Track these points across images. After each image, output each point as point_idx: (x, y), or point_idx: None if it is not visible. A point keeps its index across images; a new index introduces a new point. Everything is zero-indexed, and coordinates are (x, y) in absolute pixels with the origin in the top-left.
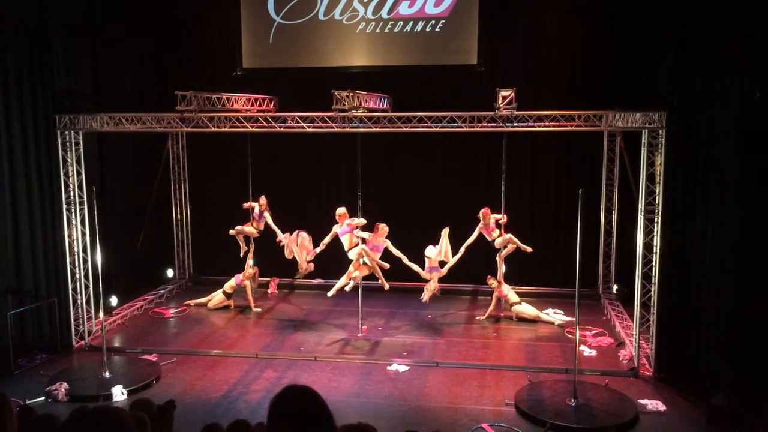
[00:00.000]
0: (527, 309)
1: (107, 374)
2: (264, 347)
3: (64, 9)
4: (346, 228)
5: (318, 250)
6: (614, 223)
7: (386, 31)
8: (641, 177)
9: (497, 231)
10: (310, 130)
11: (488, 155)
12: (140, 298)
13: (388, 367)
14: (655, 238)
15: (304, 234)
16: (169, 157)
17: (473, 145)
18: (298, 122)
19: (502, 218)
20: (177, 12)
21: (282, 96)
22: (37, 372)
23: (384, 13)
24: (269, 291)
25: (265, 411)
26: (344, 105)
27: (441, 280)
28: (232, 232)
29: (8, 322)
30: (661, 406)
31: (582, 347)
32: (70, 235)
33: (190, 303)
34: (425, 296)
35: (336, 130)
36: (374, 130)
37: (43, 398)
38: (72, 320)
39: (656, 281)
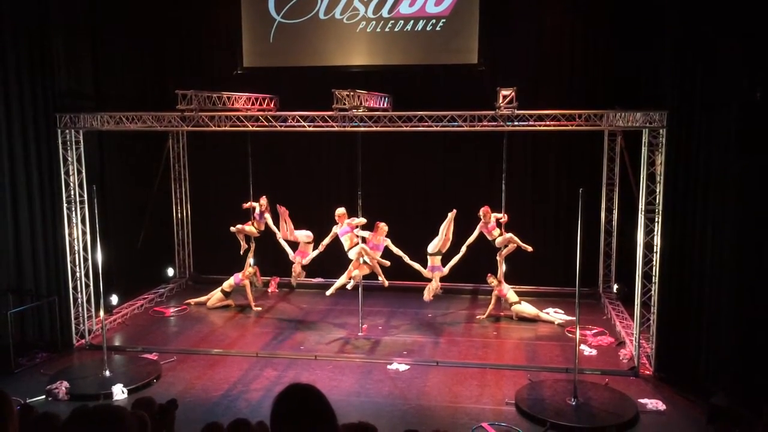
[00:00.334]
0: (527, 308)
1: (108, 373)
2: (264, 346)
3: (65, 8)
4: (346, 228)
5: (316, 252)
6: (614, 223)
7: (387, 30)
8: (642, 176)
9: (497, 230)
10: (311, 129)
11: (489, 155)
12: (141, 296)
13: (389, 366)
14: (655, 237)
15: (304, 232)
16: (169, 156)
17: (474, 144)
18: (298, 121)
19: (503, 217)
20: (177, 11)
21: (282, 95)
22: (38, 371)
23: (384, 12)
24: (269, 290)
25: (266, 410)
26: (345, 104)
27: (442, 279)
28: (233, 229)
29: (9, 321)
30: (661, 406)
31: (582, 346)
32: (70, 234)
33: (190, 302)
34: (427, 295)
35: (336, 129)
36: (375, 129)
37: (44, 397)
38: (72, 319)
39: (656, 281)
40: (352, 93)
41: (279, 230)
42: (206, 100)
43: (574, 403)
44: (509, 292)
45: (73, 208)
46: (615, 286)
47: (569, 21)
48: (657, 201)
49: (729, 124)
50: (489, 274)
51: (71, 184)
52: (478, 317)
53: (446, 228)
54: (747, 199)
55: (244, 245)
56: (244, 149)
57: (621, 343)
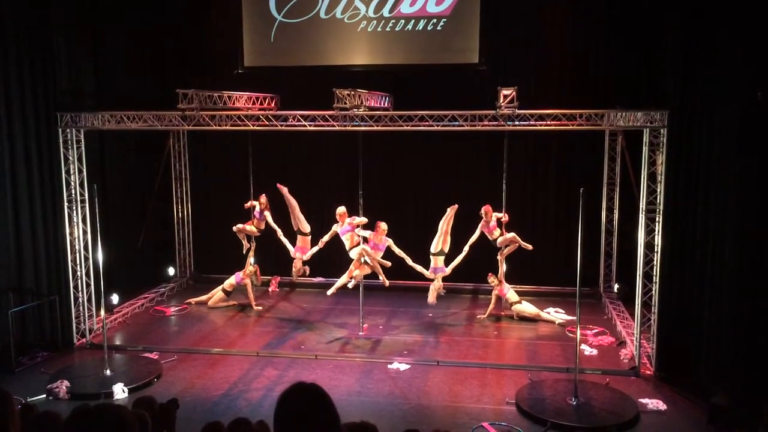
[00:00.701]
0: (527, 308)
1: (108, 372)
2: (265, 345)
3: (66, 7)
4: (347, 227)
5: (316, 248)
6: (615, 222)
7: (387, 29)
8: (642, 176)
9: (498, 230)
10: (312, 128)
11: (489, 154)
12: (141, 296)
13: (389, 366)
14: (656, 237)
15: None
16: (170, 155)
17: (474, 144)
18: (299, 121)
19: (504, 217)
20: (178, 10)
21: (283, 94)
22: (38, 370)
23: (385, 12)
24: (270, 289)
25: (266, 409)
26: (345, 103)
27: (443, 279)
28: (234, 229)
29: (9, 320)
30: (661, 405)
31: (583, 346)
32: (71, 233)
33: (191, 301)
34: (431, 298)
35: (337, 128)
36: (375, 128)
37: (45, 396)
38: (73, 318)
39: (657, 280)
40: (352, 92)
41: (279, 230)
42: (207, 100)
43: (574, 403)
44: (509, 292)
45: (74, 207)
46: (616, 286)
47: (570, 20)
48: (658, 201)
49: (730, 124)
50: (490, 273)
51: (72, 183)
52: (478, 317)
53: (445, 224)
54: (748, 199)
55: (246, 245)
56: (245, 149)
57: (622, 342)
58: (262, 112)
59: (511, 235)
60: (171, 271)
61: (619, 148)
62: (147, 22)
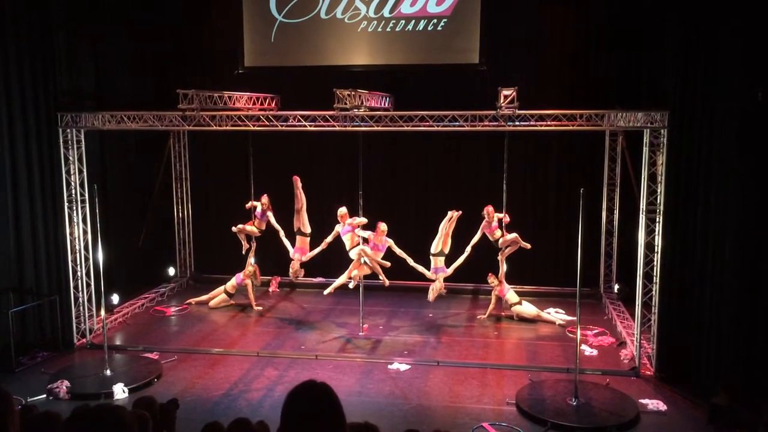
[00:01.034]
0: (528, 308)
1: (108, 372)
2: (265, 346)
3: (66, 7)
4: (348, 228)
5: (318, 249)
6: (616, 223)
7: (388, 29)
8: (643, 176)
9: (499, 230)
10: (312, 128)
11: (490, 154)
12: (141, 296)
13: (389, 366)
14: (656, 237)
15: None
16: (170, 155)
17: (475, 144)
18: (299, 121)
19: (505, 217)
20: (178, 10)
21: (284, 94)
22: (39, 370)
23: (386, 12)
24: (270, 290)
25: (266, 410)
26: (346, 104)
27: (444, 279)
28: (234, 229)
29: (10, 320)
30: (662, 406)
31: (583, 347)
32: (71, 233)
33: (191, 301)
34: (431, 296)
35: (338, 129)
36: (376, 129)
37: (45, 396)
38: (73, 318)
39: (657, 281)
40: (353, 92)
41: (295, 216)
42: (207, 100)
43: (574, 404)
44: (509, 293)
45: (74, 207)
46: (616, 286)
47: (571, 20)
48: (658, 201)
49: (730, 124)
50: (490, 274)
51: (72, 183)
52: (479, 317)
53: (446, 226)
54: (748, 199)
55: (245, 245)
56: (245, 149)
57: (622, 343)
58: (263, 112)
59: (513, 235)
60: (171, 271)
61: (620, 148)
62: (147, 22)
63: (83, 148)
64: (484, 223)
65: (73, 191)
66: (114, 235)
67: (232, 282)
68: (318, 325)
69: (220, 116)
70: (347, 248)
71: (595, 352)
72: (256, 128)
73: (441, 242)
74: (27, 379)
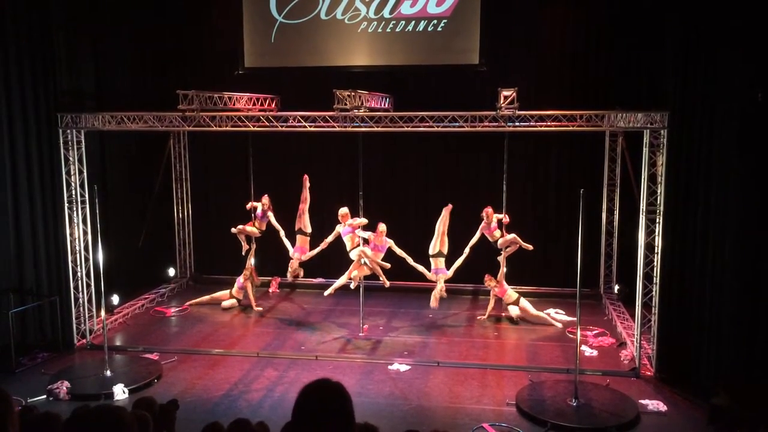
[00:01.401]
0: (528, 309)
1: (108, 373)
2: (265, 346)
3: (66, 7)
4: (348, 228)
5: (317, 250)
6: (616, 223)
7: (388, 30)
8: (643, 177)
9: (498, 231)
10: (312, 129)
11: (490, 155)
12: (142, 296)
13: (389, 367)
14: (656, 238)
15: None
16: (170, 156)
17: (475, 145)
18: (299, 121)
19: (504, 218)
20: (179, 10)
21: (284, 95)
22: (39, 370)
23: (386, 13)
24: (270, 290)
25: (266, 410)
26: (346, 104)
27: (445, 280)
28: (234, 230)
29: (10, 321)
30: (662, 407)
31: (583, 347)
32: (71, 234)
33: (191, 303)
34: (433, 302)
35: (338, 129)
36: (376, 129)
37: (45, 397)
38: (73, 319)
39: (657, 281)
40: (353, 93)
41: (297, 215)
42: (207, 100)
43: (574, 404)
44: (509, 293)
45: (75, 208)
46: (616, 287)
47: (571, 21)
48: (658, 202)
49: (730, 124)
50: (487, 276)
51: (72, 184)
52: (478, 318)
53: (441, 225)
54: (748, 200)
55: (245, 246)
56: (246, 149)
57: (622, 343)
58: (263, 113)
59: (512, 236)
60: (171, 271)
61: (620, 149)
62: (147, 22)
63: (83, 149)
64: (483, 224)
65: (73, 192)
66: (114, 236)
67: (235, 287)
68: (318, 325)
69: (220, 117)
70: (347, 249)
71: (595, 352)
72: (256, 129)
73: (438, 242)
74: (27, 380)
